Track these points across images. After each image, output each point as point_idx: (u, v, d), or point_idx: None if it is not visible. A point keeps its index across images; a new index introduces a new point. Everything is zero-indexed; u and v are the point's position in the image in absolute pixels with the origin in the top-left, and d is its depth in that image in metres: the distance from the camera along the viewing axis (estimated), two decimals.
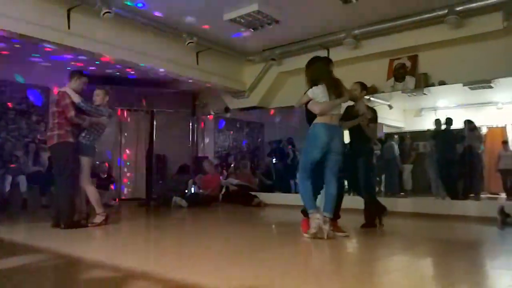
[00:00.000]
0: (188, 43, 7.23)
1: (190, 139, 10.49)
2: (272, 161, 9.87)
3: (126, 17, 6.43)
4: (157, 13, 6.59)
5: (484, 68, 6.48)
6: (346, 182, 5.15)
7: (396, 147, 8.56)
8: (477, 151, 7.60)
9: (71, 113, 4.80)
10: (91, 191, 5.04)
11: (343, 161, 4.21)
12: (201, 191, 8.54)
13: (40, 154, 8.16)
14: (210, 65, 8.15)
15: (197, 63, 7.92)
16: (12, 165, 7.62)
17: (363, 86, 4.97)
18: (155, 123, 9.83)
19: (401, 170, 8.58)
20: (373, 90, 7.54)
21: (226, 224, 6.07)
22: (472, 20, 6.25)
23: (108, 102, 5.22)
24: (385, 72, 7.43)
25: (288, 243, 4.06)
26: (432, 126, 7.81)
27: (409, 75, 7.14)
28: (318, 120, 4.05)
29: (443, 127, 7.52)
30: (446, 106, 8.94)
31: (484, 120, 8.41)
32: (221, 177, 9.06)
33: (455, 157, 7.37)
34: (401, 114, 8.89)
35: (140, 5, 6.28)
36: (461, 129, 7.58)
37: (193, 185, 8.57)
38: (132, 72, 8.85)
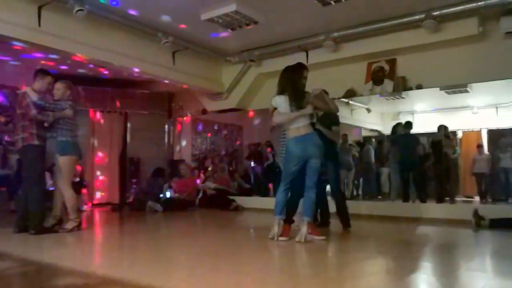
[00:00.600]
0: (164, 42, 7.09)
1: (166, 142, 10.30)
2: (250, 164, 9.78)
3: (99, 15, 6.25)
4: (131, 12, 6.43)
5: (461, 73, 6.59)
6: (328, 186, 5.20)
7: (373, 150, 8.59)
8: (451, 156, 7.70)
9: (33, 111, 4.62)
10: (69, 194, 4.82)
11: (324, 164, 4.22)
12: (176, 195, 8.36)
13: (8, 157, 7.87)
14: (187, 66, 8.02)
15: (174, 64, 7.78)
16: None
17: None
18: (129, 125, 9.63)
19: (379, 173, 8.61)
20: (351, 93, 7.57)
21: (203, 229, 5.96)
22: (449, 25, 6.32)
23: (70, 95, 4.95)
24: (363, 75, 7.46)
25: (266, 247, 4.00)
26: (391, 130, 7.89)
27: (388, 78, 7.19)
28: (288, 135, 4.15)
29: (404, 130, 7.59)
30: (423, 110, 9.03)
31: (459, 124, 8.53)
32: (198, 181, 8.91)
33: (415, 161, 7.44)
34: (379, 118, 8.93)
35: (114, 3, 6.12)
36: (434, 133, 7.65)
37: (168, 189, 8.39)
38: (105, 72, 8.64)
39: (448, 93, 7.34)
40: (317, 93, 4.28)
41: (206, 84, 8.61)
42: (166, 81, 8.17)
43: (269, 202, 7.56)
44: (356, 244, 4.35)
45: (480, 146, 8.17)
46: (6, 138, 8.09)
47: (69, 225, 4.83)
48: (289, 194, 4.26)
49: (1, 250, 3.77)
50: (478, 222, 5.24)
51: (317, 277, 2.81)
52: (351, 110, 8.57)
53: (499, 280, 2.86)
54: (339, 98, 7.61)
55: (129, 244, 4.53)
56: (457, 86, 6.93)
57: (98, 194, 9.41)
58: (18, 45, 6.13)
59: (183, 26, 6.99)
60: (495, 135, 7.99)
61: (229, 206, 7.89)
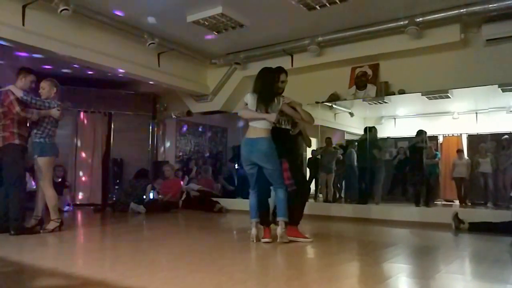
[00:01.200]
0: (149, 44, 7.07)
1: (150, 143, 10.23)
2: (234, 166, 9.79)
3: (85, 15, 6.21)
4: (117, 12, 6.40)
5: (442, 79, 6.71)
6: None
7: (355, 154, 8.69)
8: (430, 161, 7.85)
9: (16, 108, 4.56)
10: (50, 194, 4.77)
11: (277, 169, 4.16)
12: (160, 196, 8.32)
13: None
14: (172, 67, 8.01)
15: (159, 65, 7.76)
16: None
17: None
18: (113, 125, 9.55)
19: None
20: (335, 97, 7.65)
21: (186, 230, 5.95)
22: (431, 31, 6.44)
23: (56, 94, 4.91)
24: (347, 80, 7.54)
25: (249, 249, 4.01)
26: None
27: (371, 83, 7.28)
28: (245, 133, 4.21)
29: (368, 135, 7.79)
30: (405, 115, 9.19)
31: (440, 129, 8.69)
32: (182, 183, 8.88)
33: (376, 165, 7.66)
34: (362, 122, 9.04)
35: (100, 3, 6.08)
36: (413, 138, 7.79)
37: (151, 191, 8.34)
38: (90, 72, 8.54)
39: (429, 98, 7.47)
40: (287, 101, 4.24)
41: (191, 86, 8.60)
42: (151, 82, 8.13)
43: None
44: (338, 246, 4.39)
45: (460, 151, 8.32)
46: None
47: (50, 226, 4.78)
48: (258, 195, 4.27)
49: None
50: (458, 226, 5.35)
51: (299, 278, 2.82)
52: (335, 114, 8.68)
53: (478, 282, 2.92)
54: (322, 102, 7.70)
55: (111, 245, 4.49)
56: (438, 92, 7.06)
57: (80, 195, 9.30)
58: (1, 43, 6.02)
59: (169, 28, 6.98)
60: (475, 140, 8.15)
61: (213, 208, 7.88)
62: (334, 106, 8.20)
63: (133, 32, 6.94)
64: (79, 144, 9.37)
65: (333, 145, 8.60)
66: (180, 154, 10.39)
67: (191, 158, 10.33)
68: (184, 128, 10.51)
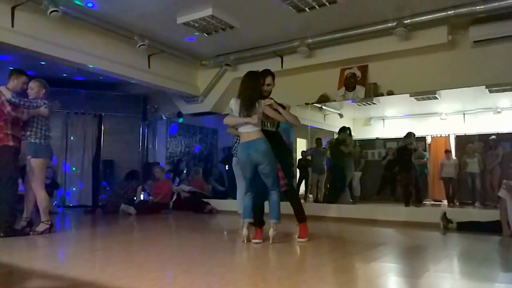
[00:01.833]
0: (140, 45, 7.05)
1: (140, 144, 10.19)
2: (225, 167, 9.79)
3: (74, 16, 6.18)
4: (107, 14, 6.36)
5: (430, 80, 6.77)
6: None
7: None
8: (417, 162, 7.96)
9: (7, 108, 4.54)
10: (42, 196, 4.75)
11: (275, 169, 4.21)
12: (150, 198, 8.30)
13: None
14: (162, 69, 7.99)
15: (149, 67, 7.74)
16: None
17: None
18: (103, 127, 9.50)
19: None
20: (324, 99, 7.70)
21: (176, 231, 5.94)
22: (419, 33, 6.49)
23: (44, 95, 4.89)
24: (336, 81, 7.59)
25: (239, 249, 4.03)
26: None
27: (360, 84, 7.33)
28: (239, 139, 4.28)
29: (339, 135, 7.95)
30: (394, 116, 9.25)
31: (428, 129, 8.77)
32: (172, 184, 8.86)
33: (338, 165, 7.82)
34: (351, 123, 9.09)
35: (90, 5, 6.06)
36: (401, 139, 7.87)
37: (142, 192, 8.31)
38: (79, 74, 8.49)
39: (417, 99, 7.54)
40: (267, 103, 4.22)
41: (181, 87, 8.59)
42: (141, 84, 8.10)
43: None
44: (328, 246, 4.41)
45: (448, 151, 8.40)
46: None
47: (40, 227, 4.76)
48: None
49: None
50: (446, 225, 5.42)
51: (290, 278, 2.84)
52: (324, 115, 8.72)
53: (466, 281, 2.96)
54: (312, 103, 7.75)
55: (101, 247, 4.47)
56: (426, 93, 7.14)
57: (70, 197, 9.23)
58: None
59: (159, 29, 6.97)
60: (462, 141, 8.23)
61: (204, 208, 7.88)
62: (323, 107, 8.25)
63: (123, 34, 6.92)
64: (69, 145, 9.31)
65: (323, 146, 8.65)
66: (171, 155, 10.35)
67: (181, 159, 10.31)
68: (175, 130, 10.48)
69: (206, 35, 7.03)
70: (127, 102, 9.89)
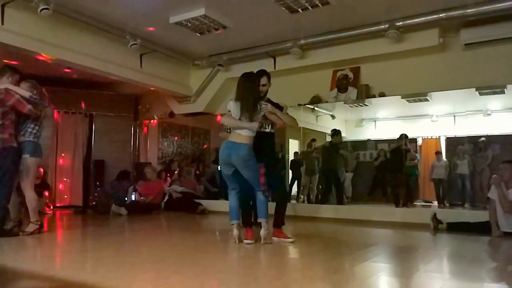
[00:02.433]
0: (132, 45, 7.02)
1: (132, 145, 10.13)
2: (217, 168, 9.76)
3: (65, 14, 6.13)
4: (99, 13, 6.32)
5: (421, 82, 6.82)
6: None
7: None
8: (410, 162, 8.03)
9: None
10: (31, 197, 4.68)
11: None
12: (142, 198, 8.25)
13: None
14: (154, 69, 7.96)
15: (141, 66, 7.70)
16: None
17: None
18: (94, 126, 9.43)
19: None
20: (317, 100, 7.72)
21: (168, 232, 5.92)
22: (411, 35, 6.54)
23: (36, 95, 4.75)
24: (328, 83, 7.62)
25: (231, 250, 4.03)
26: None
27: (352, 86, 7.37)
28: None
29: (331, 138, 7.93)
30: (385, 117, 9.32)
31: (419, 131, 8.84)
32: (165, 184, 8.82)
33: (331, 167, 7.84)
34: (343, 124, 9.14)
35: (81, 2, 6.01)
36: (394, 140, 7.92)
37: (133, 192, 8.26)
38: (70, 72, 8.42)
39: (409, 101, 7.60)
40: (268, 109, 4.21)
41: (173, 87, 8.56)
42: (133, 83, 8.06)
43: None
44: (319, 246, 4.42)
45: (438, 153, 8.48)
46: None
47: (30, 228, 4.69)
48: (239, 196, 4.31)
49: None
50: (436, 226, 5.46)
51: (281, 278, 2.84)
52: (316, 116, 8.75)
53: (455, 281, 2.98)
54: (304, 104, 7.77)
55: (92, 247, 4.43)
56: (417, 95, 7.20)
57: (60, 197, 9.15)
58: None
59: (151, 28, 6.95)
60: (453, 143, 8.32)
61: (196, 209, 7.84)
62: (316, 108, 8.28)
63: (115, 33, 6.88)
64: (59, 145, 9.22)
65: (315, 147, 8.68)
66: (163, 155, 10.31)
67: (173, 159, 10.28)
68: (167, 130, 10.43)
69: (198, 35, 7.02)
70: (119, 102, 9.81)
